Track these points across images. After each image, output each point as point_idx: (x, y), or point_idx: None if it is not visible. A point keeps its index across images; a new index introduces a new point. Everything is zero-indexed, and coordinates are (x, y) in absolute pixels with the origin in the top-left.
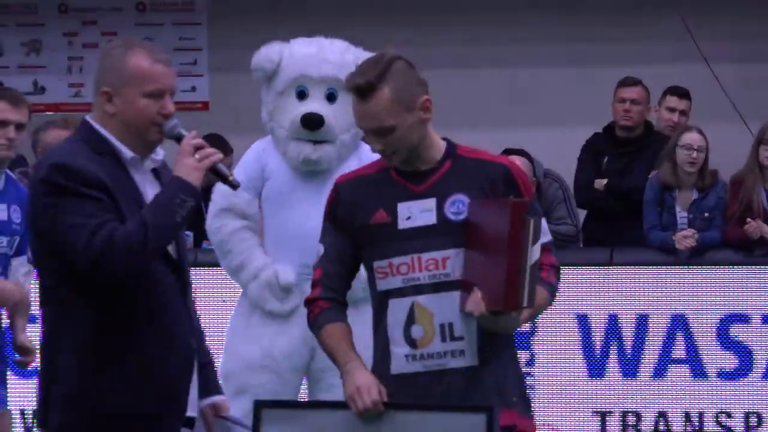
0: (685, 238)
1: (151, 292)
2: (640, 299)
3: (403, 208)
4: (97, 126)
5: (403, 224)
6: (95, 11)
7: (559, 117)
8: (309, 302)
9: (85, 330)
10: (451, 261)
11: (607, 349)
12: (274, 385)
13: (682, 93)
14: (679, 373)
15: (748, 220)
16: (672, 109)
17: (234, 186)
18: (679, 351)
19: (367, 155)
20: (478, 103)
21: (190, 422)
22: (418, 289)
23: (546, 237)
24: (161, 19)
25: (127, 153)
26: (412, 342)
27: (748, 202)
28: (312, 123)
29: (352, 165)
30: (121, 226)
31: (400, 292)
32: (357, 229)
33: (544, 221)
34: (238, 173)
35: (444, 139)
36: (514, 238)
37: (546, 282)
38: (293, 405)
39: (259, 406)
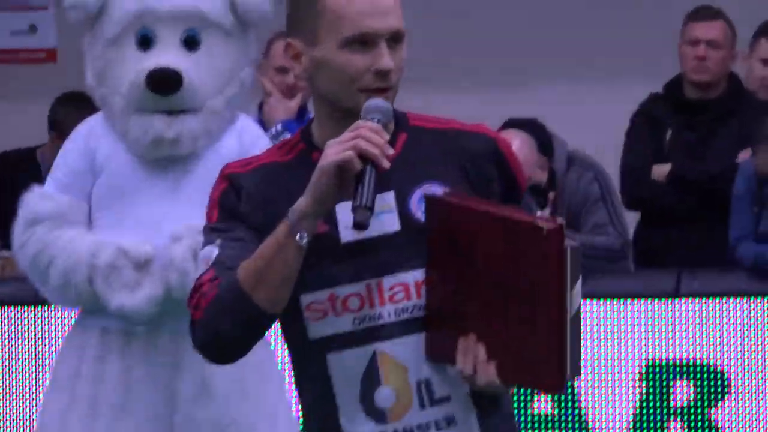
0: None
1: None
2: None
3: (345, 211)
4: None
5: (347, 235)
6: None
7: (596, 69)
8: (195, 291)
9: None
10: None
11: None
12: None
13: None
14: None
15: None
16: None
17: None
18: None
19: (250, 132)
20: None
21: None
22: (380, 333)
23: None
24: None
25: None
26: (378, 414)
27: None
28: (164, 83)
29: (230, 146)
30: None
31: (350, 340)
32: None
33: None
34: (58, 166)
35: None
36: (559, 286)
37: None
38: None
39: None
